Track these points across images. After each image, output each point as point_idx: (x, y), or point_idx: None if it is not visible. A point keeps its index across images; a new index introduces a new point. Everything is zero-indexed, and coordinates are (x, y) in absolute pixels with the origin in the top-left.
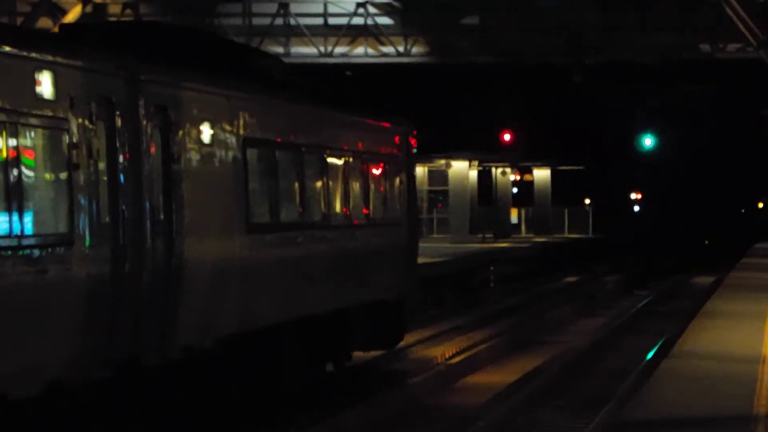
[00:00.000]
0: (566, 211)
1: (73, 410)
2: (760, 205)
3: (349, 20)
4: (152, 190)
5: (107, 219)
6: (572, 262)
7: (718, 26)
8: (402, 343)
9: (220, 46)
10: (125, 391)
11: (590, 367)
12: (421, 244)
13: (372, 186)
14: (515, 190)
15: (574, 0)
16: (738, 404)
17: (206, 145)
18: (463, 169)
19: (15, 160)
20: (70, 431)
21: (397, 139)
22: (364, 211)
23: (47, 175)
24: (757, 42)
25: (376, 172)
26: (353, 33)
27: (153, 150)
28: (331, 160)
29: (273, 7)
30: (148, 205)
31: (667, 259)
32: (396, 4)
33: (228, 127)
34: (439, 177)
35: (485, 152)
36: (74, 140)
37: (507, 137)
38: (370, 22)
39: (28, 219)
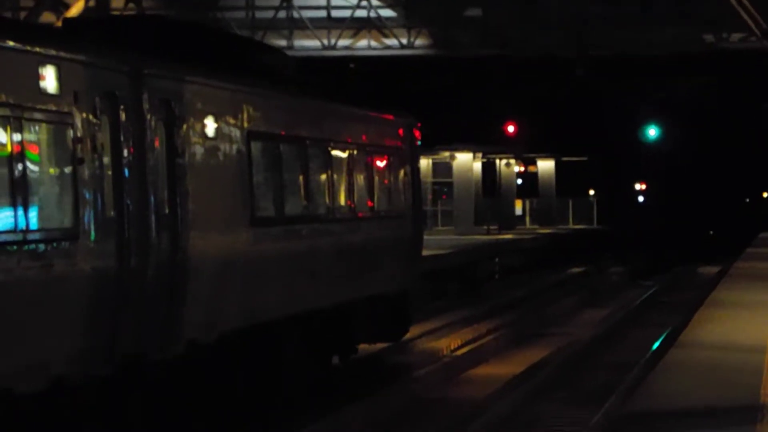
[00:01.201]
0: (571, 202)
1: (77, 405)
2: (765, 195)
3: (352, 13)
4: (156, 184)
5: (112, 213)
6: (577, 254)
7: (722, 16)
8: (407, 336)
9: (224, 40)
10: (130, 385)
11: (595, 358)
12: (425, 237)
13: (376, 179)
14: (519, 181)
15: None
16: (744, 394)
17: (210, 138)
18: (467, 161)
19: (20, 154)
20: (75, 426)
21: (401, 131)
22: (369, 204)
23: (52, 170)
24: (761, 31)
25: (380, 164)
26: (356, 26)
27: (157, 144)
28: (335, 153)
29: (276, 0)
30: (152, 199)
31: (672, 249)
32: None
33: (232, 121)
34: (443, 169)
35: (489, 144)
36: (78, 134)
37: (511, 129)
38: (373, 14)
39: (33, 214)
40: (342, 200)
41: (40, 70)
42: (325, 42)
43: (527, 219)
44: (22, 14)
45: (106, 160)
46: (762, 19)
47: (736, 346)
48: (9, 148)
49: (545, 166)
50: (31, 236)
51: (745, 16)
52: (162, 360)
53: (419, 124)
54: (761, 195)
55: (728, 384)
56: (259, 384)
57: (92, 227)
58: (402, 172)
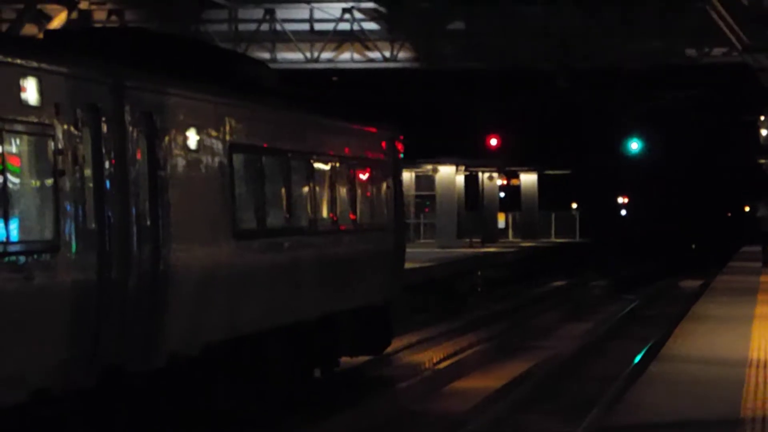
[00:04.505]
0: (553, 215)
1: (58, 417)
2: (747, 209)
3: (335, 26)
4: (138, 197)
5: (93, 225)
6: (559, 267)
7: (704, 30)
8: (389, 349)
9: (206, 52)
10: (111, 398)
11: (577, 372)
12: (408, 249)
13: (359, 191)
14: (502, 194)
15: (559, 5)
16: (725, 408)
17: (192, 151)
18: (450, 174)
19: (0, 166)
20: None
21: (383, 144)
22: (351, 216)
23: (33, 182)
24: (743, 46)
25: (363, 177)
26: (339, 38)
27: (139, 156)
28: (317, 165)
29: (259, 13)
30: (134, 211)
31: (654, 263)
32: (382, 9)
33: (214, 133)
34: (426, 182)
35: (472, 157)
36: (60, 146)
37: (494, 142)
38: (356, 27)
39: (13, 225)
40: (324, 213)
41: (21, 82)
42: (308, 55)
43: (510, 232)
44: (4, 26)
45: (87, 172)
46: (743, 33)
47: (717, 360)
48: None
49: (528, 179)
50: (11, 248)
51: (727, 31)
52: (143, 372)
53: (402, 137)
54: (743, 209)
55: (709, 398)
56: (241, 396)
57: (73, 239)
58: (384, 185)
